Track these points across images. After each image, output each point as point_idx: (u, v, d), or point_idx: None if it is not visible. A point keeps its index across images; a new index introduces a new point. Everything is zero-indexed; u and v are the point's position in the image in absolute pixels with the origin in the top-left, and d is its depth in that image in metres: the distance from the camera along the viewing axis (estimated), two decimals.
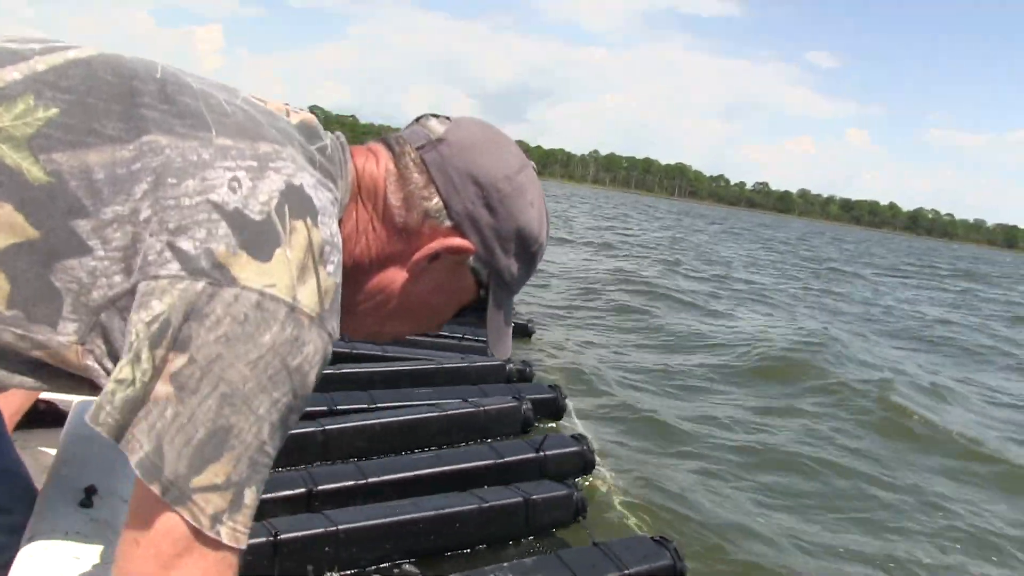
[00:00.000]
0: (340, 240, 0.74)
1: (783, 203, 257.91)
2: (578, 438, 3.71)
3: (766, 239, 41.89)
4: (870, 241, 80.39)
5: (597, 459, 3.77)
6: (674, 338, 8.45)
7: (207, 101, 0.75)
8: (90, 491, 1.00)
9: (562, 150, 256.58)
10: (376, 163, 0.85)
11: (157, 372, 0.64)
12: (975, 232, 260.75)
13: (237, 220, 0.67)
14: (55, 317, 0.68)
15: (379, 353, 4.62)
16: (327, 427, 3.43)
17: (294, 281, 0.67)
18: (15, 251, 0.66)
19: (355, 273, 0.83)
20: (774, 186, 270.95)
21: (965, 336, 12.14)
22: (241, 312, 0.64)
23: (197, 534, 0.64)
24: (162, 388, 0.63)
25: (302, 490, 2.87)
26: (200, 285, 0.65)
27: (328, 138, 0.84)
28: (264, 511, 1.98)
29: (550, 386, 4.55)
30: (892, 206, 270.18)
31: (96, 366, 0.70)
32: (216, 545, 0.65)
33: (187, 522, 0.64)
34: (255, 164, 0.71)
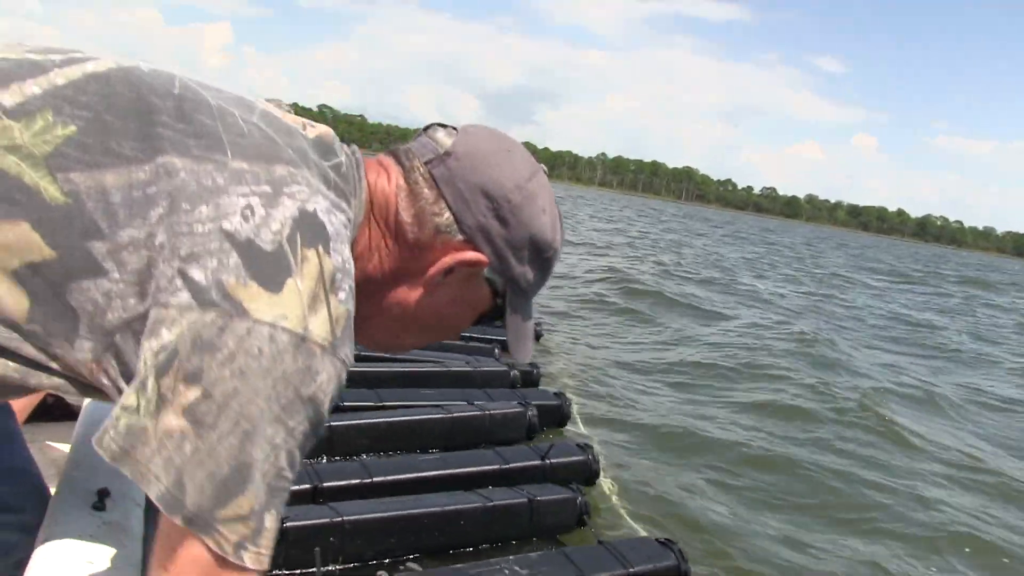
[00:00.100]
0: (352, 266, 0.74)
1: (791, 208, 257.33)
2: (583, 447, 3.70)
3: (770, 243, 41.78)
4: (877, 247, 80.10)
5: (602, 466, 3.76)
6: (679, 341, 8.44)
7: (224, 120, 0.75)
8: (102, 493, 1.01)
9: (570, 152, 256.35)
10: (388, 179, 0.85)
11: (164, 402, 0.64)
12: (984, 240, 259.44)
13: (249, 250, 0.67)
14: (72, 335, 0.68)
15: (385, 353, 4.62)
16: (333, 423, 3.44)
17: (305, 311, 0.67)
18: (32, 270, 0.66)
19: (370, 289, 0.83)
20: (781, 191, 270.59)
21: (965, 342, 12.09)
22: (255, 346, 0.64)
23: (222, 561, 0.66)
24: (175, 421, 0.64)
25: (307, 486, 2.87)
26: (210, 316, 0.65)
27: (343, 154, 0.84)
28: None
29: (556, 393, 4.54)
30: (900, 212, 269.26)
31: (110, 384, 0.70)
32: (240, 569, 0.66)
33: (211, 550, 0.65)
34: (269, 190, 0.71)
